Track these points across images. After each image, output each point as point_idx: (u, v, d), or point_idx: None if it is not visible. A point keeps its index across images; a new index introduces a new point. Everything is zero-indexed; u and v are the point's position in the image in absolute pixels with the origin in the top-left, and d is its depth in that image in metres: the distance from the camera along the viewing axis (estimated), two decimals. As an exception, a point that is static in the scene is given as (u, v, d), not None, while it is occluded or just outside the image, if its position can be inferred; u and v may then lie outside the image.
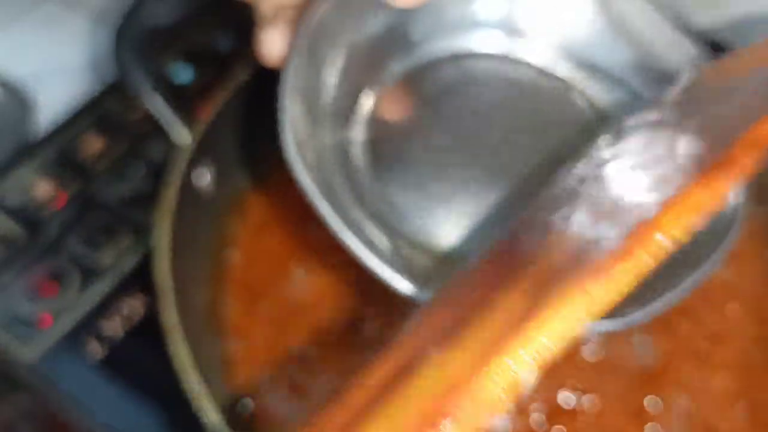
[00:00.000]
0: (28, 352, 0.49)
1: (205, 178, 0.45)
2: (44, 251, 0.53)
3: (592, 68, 0.45)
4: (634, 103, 0.43)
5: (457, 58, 0.44)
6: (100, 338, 0.49)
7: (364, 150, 0.41)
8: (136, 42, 0.50)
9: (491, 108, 0.43)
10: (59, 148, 0.59)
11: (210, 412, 0.34)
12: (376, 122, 0.42)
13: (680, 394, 0.41)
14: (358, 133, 0.41)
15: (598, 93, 0.44)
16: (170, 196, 0.41)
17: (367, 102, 0.42)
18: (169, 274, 0.39)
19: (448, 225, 0.39)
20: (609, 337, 0.42)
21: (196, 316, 0.41)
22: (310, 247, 0.47)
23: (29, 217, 0.55)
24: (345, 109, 0.41)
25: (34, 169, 0.58)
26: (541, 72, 0.45)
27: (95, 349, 0.49)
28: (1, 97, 0.65)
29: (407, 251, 0.37)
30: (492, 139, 0.41)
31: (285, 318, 0.44)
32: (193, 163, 0.44)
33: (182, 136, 0.45)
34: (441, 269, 0.37)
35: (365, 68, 0.42)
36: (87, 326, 0.50)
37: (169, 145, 0.58)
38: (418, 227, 0.38)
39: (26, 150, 0.59)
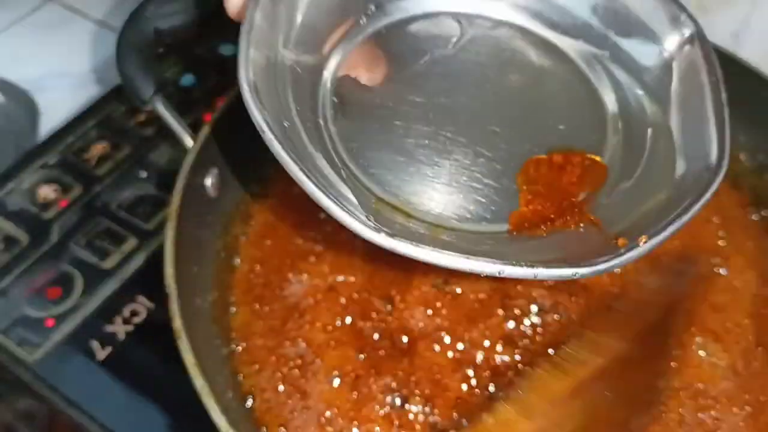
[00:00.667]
0: (31, 355, 0.49)
1: (209, 182, 0.45)
2: (47, 255, 0.54)
3: (558, 25, 0.45)
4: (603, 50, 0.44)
5: (428, 15, 0.44)
6: (103, 341, 0.50)
7: (329, 100, 0.40)
8: (138, 47, 0.50)
9: (462, 65, 0.42)
10: (62, 152, 0.59)
11: (214, 411, 0.35)
12: (344, 77, 0.41)
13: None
14: (324, 81, 0.40)
15: (564, 45, 0.44)
16: (176, 200, 0.42)
17: (334, 58, 0.41)
18: (175, 277, 0.40)
19: (416, 181, 0.37)
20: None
21: (201, 318, 0.41)
22: (312, 250, 0.47)
23: (32, 221, 0.55)
24: (311, 65, 0.40)
25: (36, 173, 0.58)
26: (513, 28, 0.45)
27: (98, 352, 0.49)
28: (4, 101, 0.66)
29: (375, 203, 0.37)
30: (462, 96, 0.41)
31: (287, 320, 0.44)
32: (198, 167, 0.44)
33: (186, 140, 0.45)
34: (409, 224, 0.36)
35: (331, 22, 0.41)
36: (90, 329, 0.50)
37: (172, 150, 0.59)
38: (387, 181, 0.37)
39: (29, 154, 0.59)
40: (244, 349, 0.43)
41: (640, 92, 0.43)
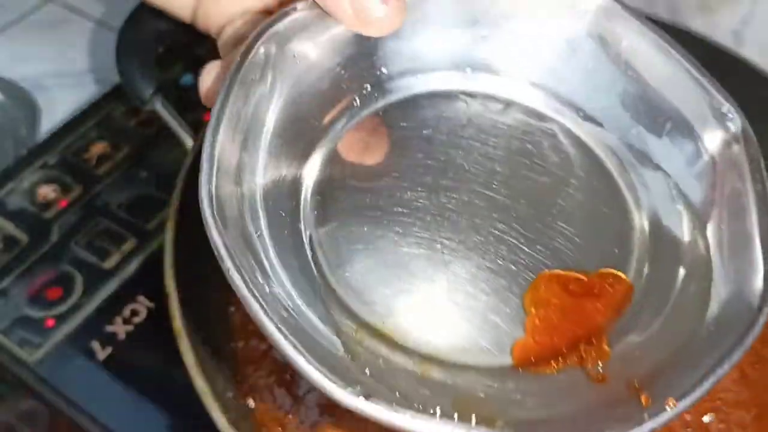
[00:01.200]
0: (32, 355, 0.49)
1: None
2: (47, 255, 0.54)
3: (580, 109, 0.38)
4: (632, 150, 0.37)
5: (433, 95, 0.37)
6: (103, 341, 0.50)
7: (313, 200, 0.34)
8: (138, 47, 0.50)
9: (466, 154, 0.36)
10: (62, 152, 0.59)
11: (214, 411, 0.35)
12: (331, 166, 0.34)
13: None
14: (308, 179, 0.34)
15: (587, 135, 0.37)
16: (175, 200, 0.42)
17: (319, 151, 0.35)
18: (175, 278, 0.40)
19: (406, 301, 0.32)
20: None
21: (201, 318, 0.41)
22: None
23: (32, 221, 0.55)
24: (293, 152, 0.34)
25: (36, 173, 0.58)
26: (527, 112, 0.38)
27: (98, 352, 0.49)
28: (3, 100, 0.66)
29: (356, 330, 0.31)
30: (465, 194, 0.34)
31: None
32: (198, 167, 0.44)
33: (186, 140, 0.45)
34: (394, 359, 0.30)
35: (321, 104, 0.35)
36: (90, 329, 0.50)
37: (173, 150, 0.59)
38: (372, 301, 0.31)
39: (29, 154, 0.59)
40: (244, 349, 0.43)
41: (672, 200, 0.36)
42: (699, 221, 0.34)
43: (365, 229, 0.33)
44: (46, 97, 0.66)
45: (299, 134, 0.33)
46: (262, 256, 0.30)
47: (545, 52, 0.37)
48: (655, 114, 0.36)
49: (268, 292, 0.28)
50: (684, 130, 0.35)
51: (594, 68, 0.37)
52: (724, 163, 0.34)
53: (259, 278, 0.28)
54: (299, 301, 0.29)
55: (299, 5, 0.32)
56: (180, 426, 0.47)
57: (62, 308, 0.51)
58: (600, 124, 0.37)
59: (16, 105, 0.66)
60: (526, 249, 0.33)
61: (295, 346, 0.26)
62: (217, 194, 0.28)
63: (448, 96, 0.37)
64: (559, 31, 0.37)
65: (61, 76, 0.68)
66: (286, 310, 0.28)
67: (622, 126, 0.37)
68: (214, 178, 0.28)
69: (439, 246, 0.33)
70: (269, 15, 0.33)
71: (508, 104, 0.37)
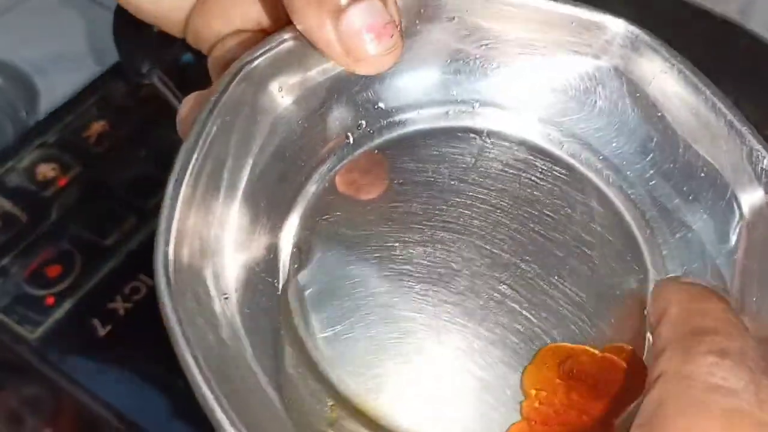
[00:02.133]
0: (32, 333, 0.49)
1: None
2: (47, 233, 0.53)
3: (599, 153, 0.33)
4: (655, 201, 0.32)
5: (436, 133, 0.33)
6: (103, 318, 0.50)
7: (294, 254, 0.30)
8: (136, 22, 0.50)
9: (469, 202, 0.32)
10: (61, 130, 0.59)
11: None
12: (316, 213, 0.30)
13: None
14: (289, 229, 0.30)
15: (606, 184, 0.33)
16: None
17: (307, 190, 0.31)
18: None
19: (391, 376, 0.28)
20: None
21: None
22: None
23: (31, 200, 0.55)
24: (274, 198, 0.30)
25: (35, 152, 0.58)
26: (539, 154, 0.34)
27: (98, 329, 0.49)
28: (2, 83, 0.65)
29: (331, 407, 0.27)
30: (467, 249, 0.30)
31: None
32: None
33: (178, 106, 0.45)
34: None
35: (309, 143, 0.31)
36: (90, 306, 0.50)
37: (172, 129, 0.58)
38: (351, 374, 0.28)
39: (28, 132, 0.59)
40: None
41: (701, 268, 0.31)
42: (727, 293, 0.29)
43: (350, 288, 0.29)
44: (45, 80, 0.66)
45: (283, 177, 0.30)
46: (222, 321, 0.26)
47: (561, 88, 0.33)
48: (687, 167, 0.31)
49: (215, 358, 0.24)
50: (717, 186, 0.30)
51: (616, 108, 0.32)
52: (760, 225, 0.29)
53: (212, 342, 0.25)
54: (259, 374, 0.26)
55: (286, 35, 0.28)
56: (180, 402, 0.47)
57: (62, 286, 0.51)
58: (624, 174, 0.32)
59: (15, 88, 0.66)
60: (529, 316, 0.29)
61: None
62: (174, 257, 0.24)
63: (452, 133, 0.33)
64: (578, 64, 0.32)
65: (60, 59, 0.68)
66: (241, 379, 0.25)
67: (645, 176, 0.32)
68: (172, 240, 0.25)
69: (432, 309, 0.29)
70: (263, 33, 0.30)
71: (519, 144, 0.33)
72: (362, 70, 0.29)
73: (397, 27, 0.28)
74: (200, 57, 0.60)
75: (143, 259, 0.52)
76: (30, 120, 0.63)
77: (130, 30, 0.49)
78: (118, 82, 0.61)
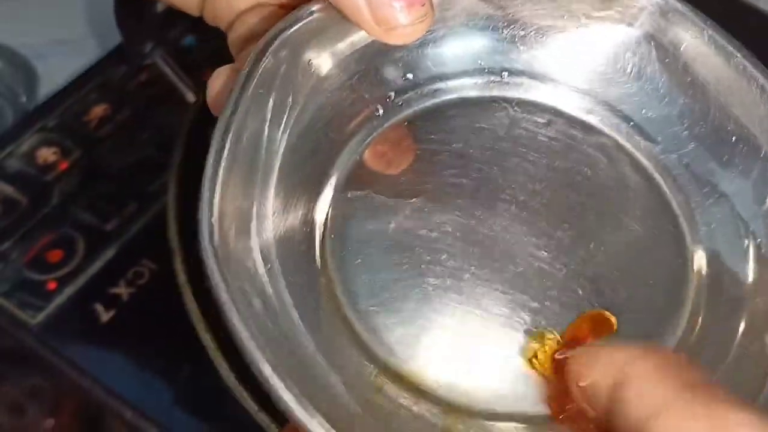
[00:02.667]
0: (33, 318, 0.48)
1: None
2: (48, 218, 0.53)
3: (632, 121, 0.33)
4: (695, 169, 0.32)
5: (465, 103, 0.32)
6: (106, 303, 0.49)
7: (331, 225, 0.30)
8: (137, 4, 0.49)
9: (502, 171, 0.31)
10: (61, 114, 0.58)
11: (220, 365, 0.34)
12: (350, 184, 0.30)
13: None
14: (324, 200, 0.30)
15: (641, 152, 0.33)
16: (177, 155, 0.41)
17: (339, 162, 0.31)
18: (178, 233, 0.39)
19: (431, 342, 0.28)
20: None
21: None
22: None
23: (32, 184, 0.54)
24: (308, 171, 0.30)
25: (35, 136, 0.57)
26: (571, 122, 0.33)
27: (101, 314, 0.48)
28: (2, 67, 0.65)
29: (376, 375, 0.27)
30: (502, 218, 0.30)
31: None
32: (201, 122, 0.43)
33: (188, 95, 0.44)
34: (418, 410, 0.27)
35: (340, 115, 0.31)
36: (93, 291, 0.49)
37: (175, 112, 0.58)
38: (394, 342, 0.28)
39: (28, 116, 0.58)
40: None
41: (738, 236, 0.31)
42: (766, 258, 0.30)
43: (387, 258, 0.29)
44: (45, 64, 0.65)
45: (315, 150, 0.30)
46: (269, 291, 0.26)
47: (592, 55, 0.33)
48: (718, 131, 0.31)
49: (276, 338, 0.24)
50: (750, 149, 0.30)
51: (648, 75, 0.32)
52: None
53: (269, 324, 0.25)
54: (309, 345, 0.26)
55: (315, 6, 0.28)
56: (183, 387, 0.46)
57: (64, 271, 0.50)
58: (655, 140, 0.32)
59: (14, 72, 0.65)
60: (568, 284, 0.29)
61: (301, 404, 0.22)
62: (219, 231, 0.25)
63: (483, 104, 0.33)
64: (609, 31, 0.32)
65: (61, 43, 0.67)
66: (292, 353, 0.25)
67: (680, 143, 0.32)
68: (216, 214, 0.25)
69: (469, 278, 0.29)
70: (283, 9, 0.30)
71: (551, 113, 0.33)
72: (393, 39, 0.28)
73: None
74: (203, 39, 0.60)
75: (146, 243, 0.52)
76: (30, 105, 0.62)
77: (132, 10, 0.48)
78: (120, 65, 0.60)
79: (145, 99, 0.59)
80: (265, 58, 0.27)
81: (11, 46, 0.66)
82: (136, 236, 0.52)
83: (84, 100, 0.59)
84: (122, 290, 0.49)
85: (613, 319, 0.29)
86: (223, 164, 0.25)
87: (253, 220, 0.27)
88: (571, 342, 0.28)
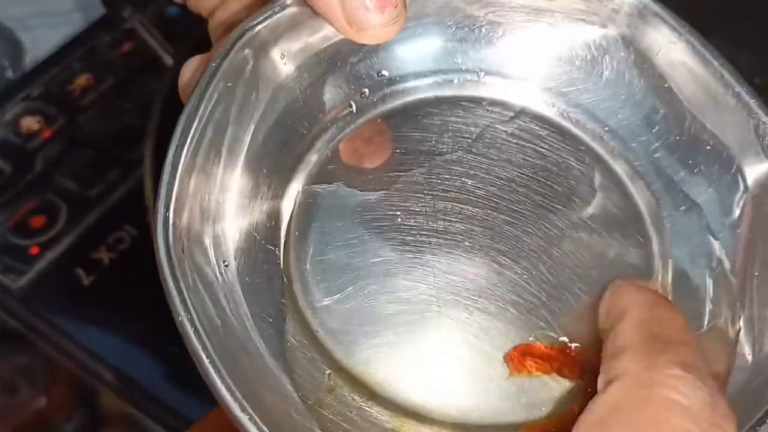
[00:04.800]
0: (16, 282, 0.49)
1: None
2: (31, 184, 0.53)
3: (604, 124, 0.33)
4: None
5: (439, 102, 0.32)
6: (88, 268, 0.50)
7: (295, 221, 0.29)
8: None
9: (471, 172, 0.31)
10: (45, 83, 0.59)
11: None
12: (318, 181, 0.30)
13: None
14: (290, 197, 0.30)
15: (610, 155, 0.32)
16: (156, 115, 0.41)
17: (308, 158, 0.30)
18: (155, 194, 0.39)
19: (388, 345, 0.28)
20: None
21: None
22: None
23: (15, 152, 0.55)
24: (276, 166, 0.30)
25: (19, 105, 0.57)
26: (542, 123, 0.33)
27: (83, 278, 0.49)
28: (-15, 38, 0.65)
29: (329, 375, 0.27)
30: (468, 221, 0.30)
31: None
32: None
33: (166, 58, 0.44)
34: (370, 411, 0.27)
35: (312, 111, 0.31)
36: (74, 256, 0.50)
37: (157, 81, 0.58)
38: (349, 341, 0.27)
39: (11, 86, 0.59)
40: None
41: (702, 241, 0.30)
42: (728, 272, 0.29)
43: (351, 257, 0.29)
44: (31, 36, 0.65)
45: (284, 145, 0.30)
46: (222, 288, 0.26)
47: (567, 57, 0.32)
48: (693, 139, 0.31)
49: (219, 327, 0.24)
50: (723, 159, 0.30)
51: (622, 79, 0.32)
52: (762, 199, 0.29)
53: (210, 310, 0.25)
54: (258, 342, 0.26)
55: (289, 0, 0.28)
56: (163, 350, 0.47)
57: (46, 236, 0.51)
58: (629, 146, 0.32)
59: (0, 44, 0.65)
60: (529, 288, 0.29)
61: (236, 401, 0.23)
62: (174, 222, 0.25)
63: (457, 102, 0.32)
64: (584, 33, 0.32)
65: (46, 15, 0.67)
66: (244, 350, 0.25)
67: (650, 148, 0.32)
68: (172, 206, 0.25)
69: (433, 279, 0.29)
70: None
71: (523, 114, 0.32)
72: (365, 40, 0.28)
73: None
74: (187, 9, 0.59)
75: (128, 209, 0.52)
76: (15, 76, 0.62)
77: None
78: (103, 35, 0.61)
79: (127, 69, 0.59)
80: (234, 51, 0.27)
81: (-6, 18, 0.66)
82: (117, 203, 0.52)
83: (68, 70, 0.59)
84: (103, 255, 0.50)
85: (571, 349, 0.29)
86: (184, 155, 0.25)
87: (210, 214, 0.27)
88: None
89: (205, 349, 0.23)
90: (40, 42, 0.64)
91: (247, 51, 0.28)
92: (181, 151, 0.25)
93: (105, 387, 0.47)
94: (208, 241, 0.26)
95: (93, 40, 0.61)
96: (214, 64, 0.27)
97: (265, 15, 0.28)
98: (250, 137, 0.28)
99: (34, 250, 0.50)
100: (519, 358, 0.28)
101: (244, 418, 0.23)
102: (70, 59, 0.60)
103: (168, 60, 0.49)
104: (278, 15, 0.28)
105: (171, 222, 0.24)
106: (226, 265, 0.26)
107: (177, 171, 0.25)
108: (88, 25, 0.63)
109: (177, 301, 0.24)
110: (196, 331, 0.23)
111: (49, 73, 0.59)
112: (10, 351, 0.50)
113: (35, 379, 0.50)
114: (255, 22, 0.28)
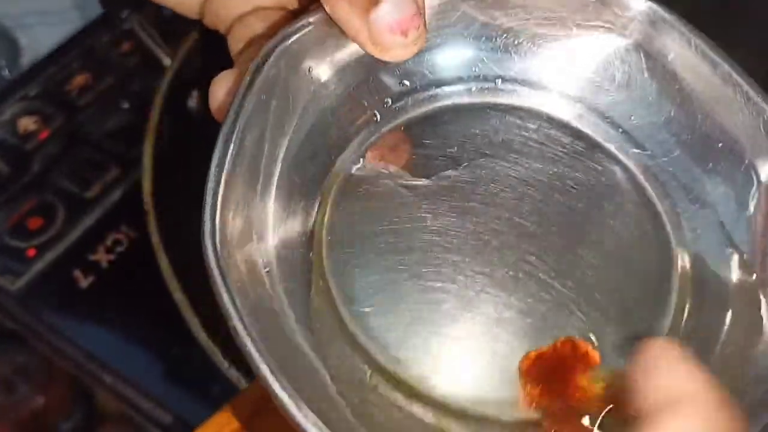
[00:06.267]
0: (13, 284, 0.48)
1: (192, 99, 0.44)
2: (28, 185, 0.53)
3: (620, 127, 0.34)
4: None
5: (460, 109, 0.33)
6: (86, 270, 0.49)
7: (328, 226, 0.31)
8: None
9: (494, 175, 0.32)
10: (42, 84, 0.58)
11: (193, 323, 0.34)
12: (348, 186, 0.31)
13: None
14: (323, 202, 0.31)
15: (628, 157, 0.33)
16: (155, 116, 0.41)
17: (339, 165, 0.32)
18: (153, 194, 0.39)
19: (425, 342, 0.29)
20: None
21: (181, 233, 0.41)
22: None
23: (13, 152, 0.54)
24: (308, 173, 0.31)
25: (17, 105, 0.57)
26: (561, 128, 0.34)
27: (80, 280, 0.49)
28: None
29: (370, 375, 0.28)
30: (494, 221, 0.31)
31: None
32: (178, 86, 0.43)
33: (164, 59, 0.44)
34: (411, 409, 0.28)
35: (339, 121, 0.32)
36: (72, 258, 0.50)
37: (155, 81, 0.58)
38: (388, 342, 0.29)
39: (9, 85, 0.58)
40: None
41: (720, 241, 0.32)
42: (749, 264, 0.31)
43: (382, 260, 0.30)
44: (28, 35, 0.65)
45: (314, 156, 0.31)
46: (269, 293, 0.27)
47: (583, 64, 0.34)
48: (705, 138, 0.32)
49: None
50: (734, 155, 0.31)
51: (637, 83, 0.33)
52: None
53: (262, 314, 0.26)
54: (304, 347, 0.28)
55: (313, 17, 0.29)
56: (163, 352, 0.46)
57: (44, 238, 0.50)
58: (643, 147, 0.33)
59: (-6, 44, 0.65)
60: (556, 286, 0.30)
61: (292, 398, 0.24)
62: (221, 233, 0.26)
63: (476, 110, 0.34)
64: (600, 40, 0.33)
65: (43, 14, 0.67)
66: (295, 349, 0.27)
67: (667, 150, 0.33)
68: (218, 218, 0.26)
69: (463, 279, 0.30)
70: (283, 11, 0.31)
71: (542, 119, 0.34)
72: (388, 58, 0.30)
73: (421, 15, 0.29)
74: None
75: (126, 211, 0.52)
76: (12, 75, 0.62)
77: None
78: (101, 34, 0.60)
79: (125, 68, 0.58)
80: (266, 67, 0.28)
81: (-9, 17, 0.66)
82: (115, 204, 0.52)
83: (65, 69, 0.59)
84: (101, 257, 0.50)
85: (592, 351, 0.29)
86: (225, 172, 0.27)
87: (254, 225, 0.28)
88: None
89: (259, 351, 0.24)
90: (37, 41, 0.64)
91: (278, 66, 0.29)
92: (222, 169, 0.27)
93: (103, 389, 0.47)
94: (251, 249, 0.27)
95: (91, 40, 0.60)
96: (248, 79, 0.28)
97: (294, 31, 0.29)
98: (284, 150, 0.29)
99: (32, 252, 0.50)
100: (529, 370, 0.29)
101: (304, 421, 0.24)
102: (68, 59, 0.59)
103: (165, 59, 0.49)
104: (305, 31, 0.29)
105: (218, 232, 0.26)
106: (268, 272, 0.28)
107: (220, 186, 0.26)
108: (86, 24, 0.62)
109: (230, 307, 0.25)
110: (249, 335, 0.24)
111: (46, 72, 0.59)
112: (9, 351, 0.50)
113: (33, 379, 0.49)
114: (284, 37, 0.29)
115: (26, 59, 0.63)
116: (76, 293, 0.48)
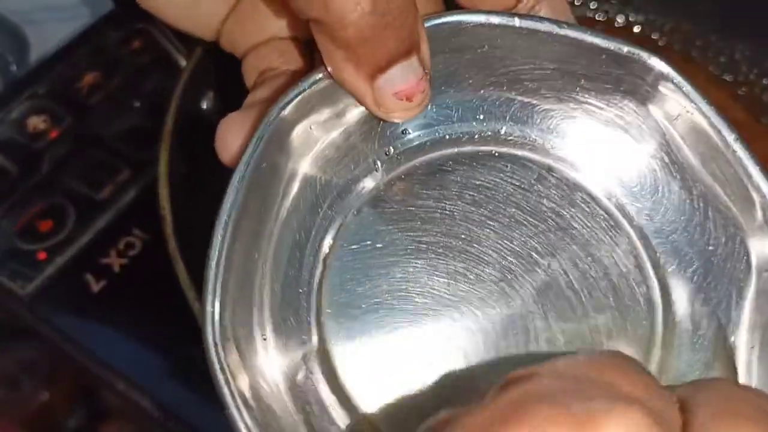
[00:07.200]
0: (24, 288, 0.48)
1: (206, 100, 0.43)
2: (38, 187, 0.52)
3: (625, 187, 0.33)
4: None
5: (461, 157, 0.33)
6: (97, 273, 0.48)
7: (328, 276, 0.31)
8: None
9: (491, 233, 0.32)
10: (51, 82, 0.57)
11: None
12: (345, 251, 0.32)
13: None
14: (319, 249, 0.32)
15: (634, 227, 0.33)
16: (170, 120, 0.40)
17: (338, 215, 0.32)
18: (169, 199, 0.38)
19: (412, 407, 0.30)
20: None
21: (197, 240, 0.40)
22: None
23: (22, 152, 0.53)
24: (307, 220, 0.31)
25: (25, 103, 0.56)
26: (568, 186, 0.33)
27: (92, 284, 0.48)
28: (-9, 34, 0.63)
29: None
30: (485, 287, 0.31)
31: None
32: (193, 88, 0.42)
33: (179, 59, 0.43)
34: None
35: (341, 169, 0.32)
36: (83, 261, 0.49)
37: (167, 79, 0.57)
38: (371, 393, 0.30)
39: (17, 83, 0.57)
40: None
41: (701, 307, 0.32)
42: (732, 344, 0.31)
43: (378, 321, 0.30)
44: (37, 31, 0.64)
45: (313, 206, 0.31)
46: (263, 369, 0.29)
47: (587, 120, 0.33)
48: (701, 199, 0.32)
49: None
50: (733, 234, 0.31)
51: (640, 142, 0.33)
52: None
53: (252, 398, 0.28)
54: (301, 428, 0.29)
55: (318, 75, 0.29)
56: (175, 357, 0.45)
57: (54, 241, 0.49)
58: (650, 219, 0.33)
59: (4, 39, 0.64)
60: (560, 329, 0.31)
61: None
62: (221, 315, 0.27)
63: (478, 158, 0.33)
64: (605, 97, 0.33)
65: (52, 9, 0.66)
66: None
67: (667, 219, 0.33)
68: (217, 303, 0.27)
69: (454, 347, 0.30)
70: (296, 42, 0.32)
71: (547, 172, 0.33)
72: (391, 119, 0.30)
73: (428, 76, 0.29)
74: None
75: (138, 213, 0.51)
76: (20, 72, 0.61)
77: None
78: (112, 31, 0.59)
79: (137, 66, 0.57)
80: (272, 123, 0.29)
81: (1, 12, 0.64)
82: (127, 206, 0.51)
83: (75, 67, 0.58)
84: (113, 260, 0.49)
85: None
86: (226, 243, 0.28)
87: (254, 298, 0.29)
88: None
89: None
90: (45, 37, 0.63)
91: (281, 125, 0.29)
92: (223, 244, 0.28)
93: (115, 395, 0.46)
94: (251, 329, 0.29)
95: (101, 37, 0.59)
96: (255, 139, 0.29)
97: (300, 90, 0.29)
98: (284, 211, 0.31)
99: (42, 255, 0.49)
100: None
101: None
102: (78, 56, 0.58)
103: (178, 58, 0.48)
104: (310, 90, 0.29)
105: (217, 318, 0.27)
106: (264, 339, 0.29)
107: (220, 270, 0.28)
108: (96, 21, 0.61)
109: (226, 394, 0.26)
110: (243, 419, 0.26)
111: (55, 70, 0.57)
112: (14, 347, 0.50)
113: (37, 374, 0.49)
114: (290, 97, 0.29)
115: (34, 55, 0.62)
116: (88, 298, 0.48)
